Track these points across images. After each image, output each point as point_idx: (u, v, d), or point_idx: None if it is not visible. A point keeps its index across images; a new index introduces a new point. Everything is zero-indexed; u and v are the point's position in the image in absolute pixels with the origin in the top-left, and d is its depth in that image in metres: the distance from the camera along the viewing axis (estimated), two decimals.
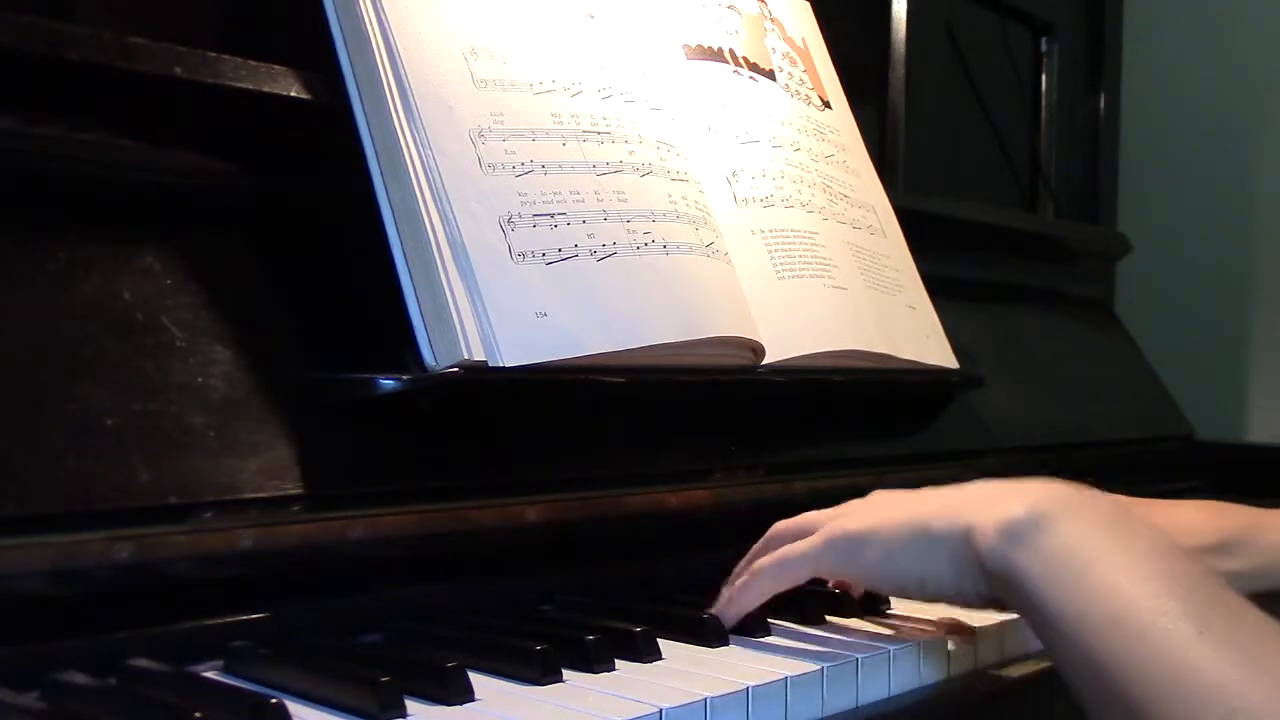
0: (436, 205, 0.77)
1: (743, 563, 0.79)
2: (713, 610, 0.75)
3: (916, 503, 0.73)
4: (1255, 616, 0.58)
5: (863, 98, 1.27)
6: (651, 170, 0.90)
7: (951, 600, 0.72)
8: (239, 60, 0.78)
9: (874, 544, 0.71)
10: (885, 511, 0.73)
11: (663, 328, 0.84)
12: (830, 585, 0.83)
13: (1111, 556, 0.61)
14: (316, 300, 0.79)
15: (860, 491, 1.00)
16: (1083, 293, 1.66)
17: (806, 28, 1.18)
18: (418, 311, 0.76)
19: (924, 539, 0.69)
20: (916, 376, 1.11)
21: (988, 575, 0.66)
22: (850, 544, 0.73)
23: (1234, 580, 0.83)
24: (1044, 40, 1.72)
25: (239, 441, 0.70)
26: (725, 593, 0.77)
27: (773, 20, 1.13)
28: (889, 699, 0.71)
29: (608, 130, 0.88)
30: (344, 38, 0.80)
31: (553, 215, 0.82)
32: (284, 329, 0.77)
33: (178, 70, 0.75)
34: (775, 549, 0.77)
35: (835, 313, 1.01)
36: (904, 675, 0.73)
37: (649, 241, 0.86)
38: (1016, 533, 0.64)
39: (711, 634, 0.73)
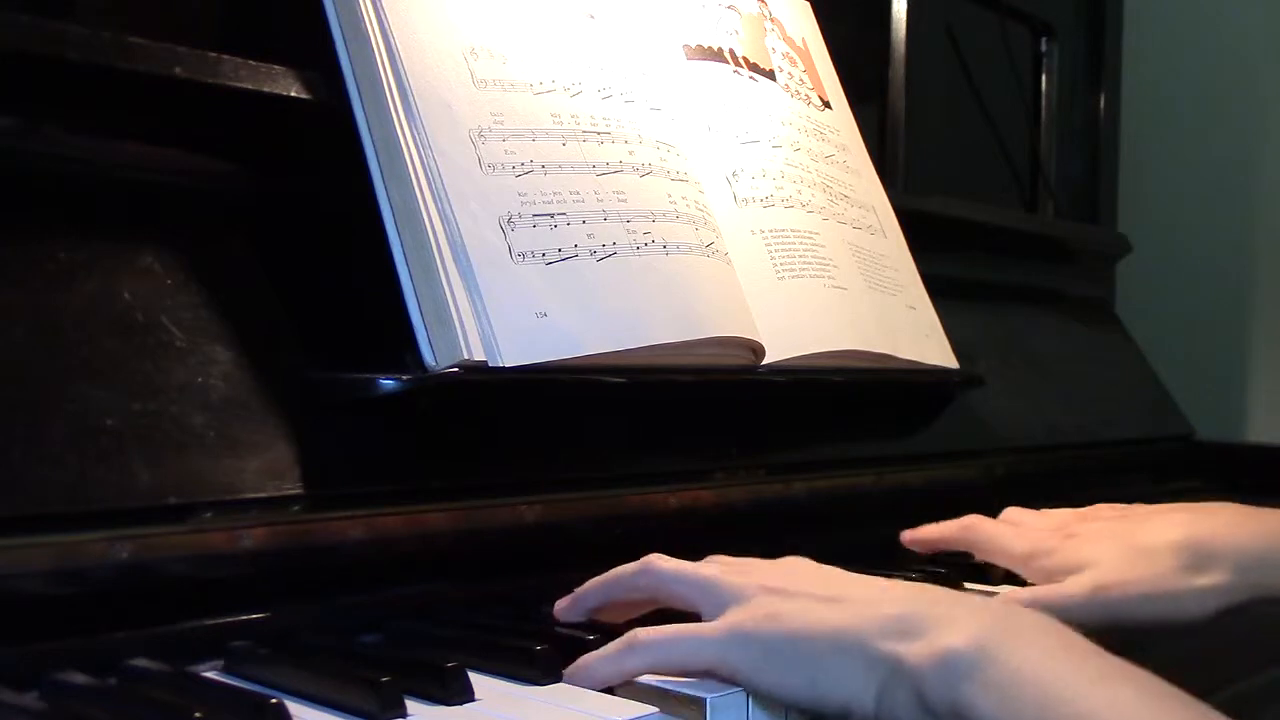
0: (436, 205, 0.77)
1: (599, 585, 0.72)
2: (565, 672, 0.64)
3: (835, 609, 0.62)
4: (1200, 708, 0.56)
5: (863, 98, 1.27)
6: (651, 170, 0.90)
7: None
8: (239, 60, 0.78)
9: (794, 658, 0.61)
10: (803, 614, 0.62)
11: (663, 328, 0.84)
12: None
13: (1069, 684, 0.56)
14: (316, 300, 0.79)
15: (860, 491, 1.00)
16: (1083, 293, 1.66)
17: (806, 28, 1.18)
18: (418, 311, 0.76)
19: (857, 662, 0.60)
20: (916, 376, 1.11)
21: (928, 711, 0.58)
22: (766, 651, 0.62)
23: (1216, 595, 0.82)
24: (1044, 40, 1.72)
25: (239, 441, 0.70)
26: (585, 659, 0.65)
27: (773, 20, 1.13)
28: None
29: (608, 130, 0.88)
30: (344, 38, 0.80)
31: (553, 215, 0.82)
32: (284, 329, 0.77)
33: (178, 70, 0.75)
34: (650, 582, 0.70)
35: (835, 313, 1.01)
36: None
37: (649, 241, 0.86)
38: (960, 667, 0.57)
39: None
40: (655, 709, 0.60)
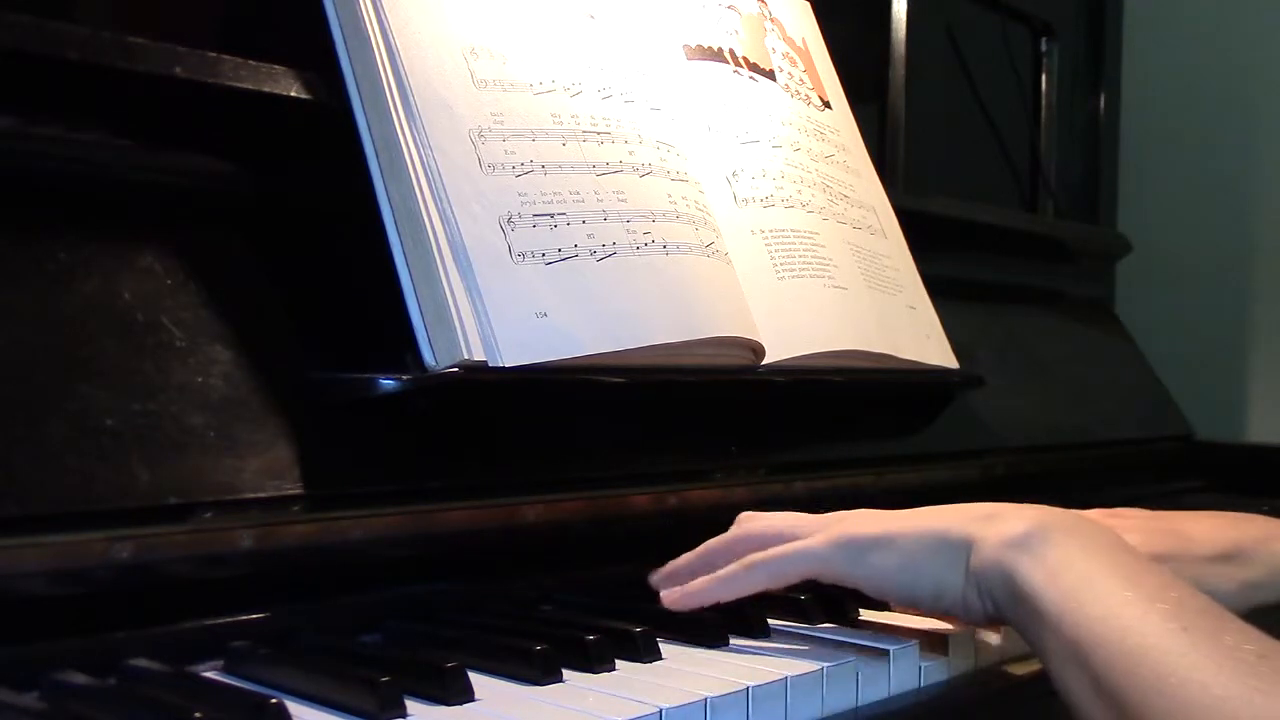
0: (436, 205, 0.77)
1: (695, 555, 0.78)
2: (677, 590, 0.75)
3: (921, 515, 0.73)
4: (1240, 624, 0.60)
5: (863, 98, 1.27)
6: (651, 170, 0.90)
7: (953, 613, 0.72)
8: (239, 60, 0.78)
9: (890, 550, 0.71)
10: (891, 520, 0.73)
11: (663, 328, 0.84)
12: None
13: (1107, 573, 0.64)
14: (316, 300, 0.79)
15: (860, 491, 1.00)
16: (1083, 293, 1.66)
17: (806, 28, 1.18)
18: (418, 311, 0.76)
19: (943, 549, 0.70)
20: (916, 377, 1.11)
21: (988, 583, 0.68)
22: (862, 548, 0.72)
23: (1246, 589, 0.85)
24: (1044, 40, 1.72)
25: (239, 441, 0.70)
26: (700, 582, 0.75)
27: (773, 20, 1.13)
28: (889, 699, 0.71)
29: (608, 130, 0.88)
30: (344, 38, 0.80)
31: (553, 215, 0.82)
32: (284, 329, 0.77)
33: (178, 70, 0.75)
34: (754, 547, 0.76)
35: (835, 313, 1.01)
36: (904, 676, 0.73)
37: (649, 241, 0.86)
38: (1020, 544, 0.66)
39: (712, 635, 0.73)
40: (656, 708, 0.60)
